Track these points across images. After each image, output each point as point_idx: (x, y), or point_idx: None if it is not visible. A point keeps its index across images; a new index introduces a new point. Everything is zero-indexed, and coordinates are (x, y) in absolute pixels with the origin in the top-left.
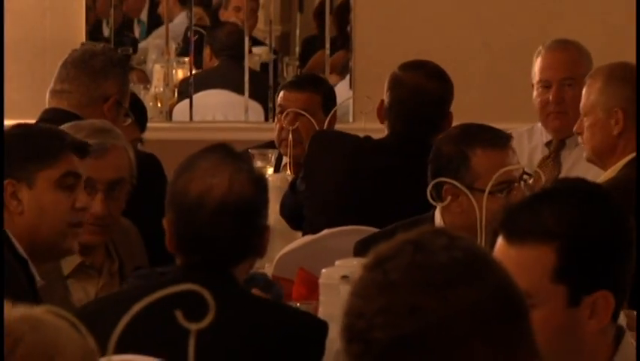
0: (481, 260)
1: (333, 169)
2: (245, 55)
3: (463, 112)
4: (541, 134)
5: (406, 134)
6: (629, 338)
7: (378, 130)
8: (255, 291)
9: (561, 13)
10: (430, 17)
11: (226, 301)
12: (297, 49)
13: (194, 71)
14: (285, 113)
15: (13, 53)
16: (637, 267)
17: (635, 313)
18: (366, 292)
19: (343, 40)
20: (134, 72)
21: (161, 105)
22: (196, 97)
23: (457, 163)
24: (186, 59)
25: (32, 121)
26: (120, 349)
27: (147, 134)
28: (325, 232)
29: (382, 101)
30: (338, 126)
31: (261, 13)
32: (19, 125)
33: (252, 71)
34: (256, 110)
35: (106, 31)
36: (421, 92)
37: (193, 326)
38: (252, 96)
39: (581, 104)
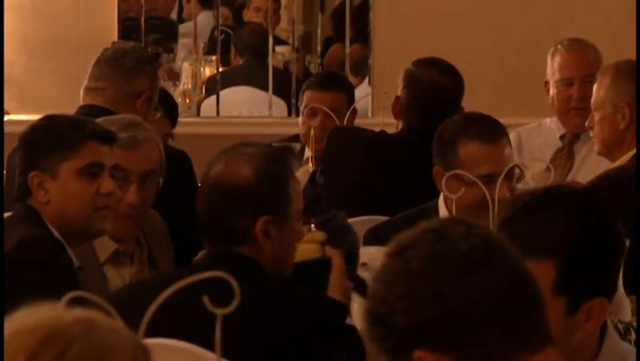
0: (498, 248)
1: (349, 163)
2: (269, 53)
3: (475, 108)
4: (551, 130)
5: (421, 130)
6: (612, 329)
7: (395, 125)
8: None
9: (569, 14)
10: (444, 18)
11: (248, 287)
12: (319, 47)
13: (220, 69)
14: (315, 114)
15: (50, 52)
16: (638, 259)
17: (635, 298)
18: (388, 278)
19: (360, 39)
20: (163, 69)
21: (190, 101)
22: (222, 93)
23: (446, 150)
24: (213, 58)
25: None
26: (151, 333)
27: (176, 129)
28: None
29: (397, 97)
30: (357, 122)
31: (283, 14)
32: (44, 117)
33: (275, 69)
34: (279, 106)
35: (136, 31)
36: (436, 88)
37: (219, 311)
38: (275, 93)
39: (592, 100)
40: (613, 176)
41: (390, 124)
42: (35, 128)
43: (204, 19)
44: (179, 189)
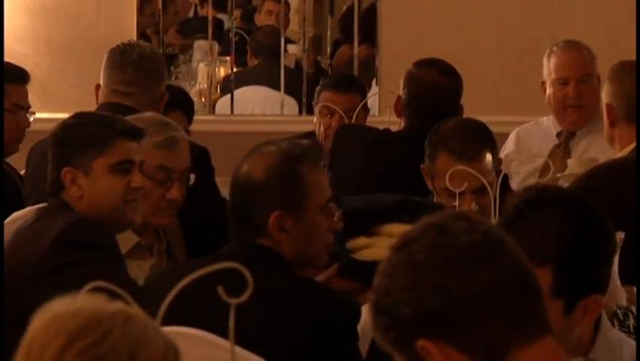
0: (498, 242)
1: (355, 158)
2: (281, 54)
3: (477, 106)
4: (548, 127)
5: (422, 128)
6: (606, 320)
7: (399, 123)
8: None
9: (568, 15)
10: (448, 20)
11: (265, 277)
12: (328, 49)
13: (234, 69)
14: (329, 114)
15: (72, 53)
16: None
17: (634, 288)
18: (393, 271)
19: (368, 41)
20: (180, 70)
21: (205, 100)
22: (237, 92)
23: (430, 153)
24: (228, 58)
25: None
26: (170, 321)
27: (192, 126)
28: None
29: (399, 97)
30: (367, 118)
31: (294, 16)
32: (75, 115)
33: (287, 69)
34: (291, 104)
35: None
36: (436, 88)
37: (233, 301)
38: (287, 92)
39: None
40: (610, 166)
41: (395, 122)
42: (67, 125)
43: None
44: (202, 185)
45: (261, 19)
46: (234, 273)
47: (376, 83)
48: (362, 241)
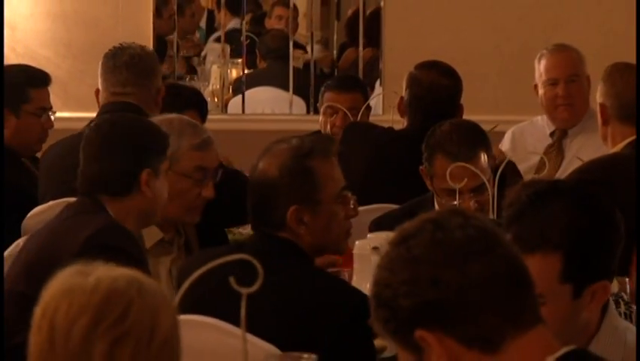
0: (492, 236)
1: (361, 155)
2: (290, 57)
3: (477, 106)
4: (542, 127)
5: (423, 127)
6: (613, 308)
7: (401, 122)
8: None
9: (564, 20)
10: (448, 24)
11: (283, 269)
12: (335, 51)
13: (246, 71)
14: (333, 113)
15: (91, 55)
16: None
17: (626, 279)
18: (392, 265)
19: (372, 44)
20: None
21: (218, 100)
22: (248, 93)
23: (428, 155)
24: (239, 61)
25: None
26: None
27: (206, 125)
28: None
29: (402, 97)
30: (370, 118)
31: (302, 21)
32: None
33: (295, 71)
34: (299, 104)
35: (171, 37)
36: (436, 88)
37: (244, 290)
38: (295, 92)
39: None
40: (604, 160)
41: (398, 121)
42: (144, 129)
43: (231, 26)
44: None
45: (271, 23)
46: (249, 264)
47: (380, 84)
48: None
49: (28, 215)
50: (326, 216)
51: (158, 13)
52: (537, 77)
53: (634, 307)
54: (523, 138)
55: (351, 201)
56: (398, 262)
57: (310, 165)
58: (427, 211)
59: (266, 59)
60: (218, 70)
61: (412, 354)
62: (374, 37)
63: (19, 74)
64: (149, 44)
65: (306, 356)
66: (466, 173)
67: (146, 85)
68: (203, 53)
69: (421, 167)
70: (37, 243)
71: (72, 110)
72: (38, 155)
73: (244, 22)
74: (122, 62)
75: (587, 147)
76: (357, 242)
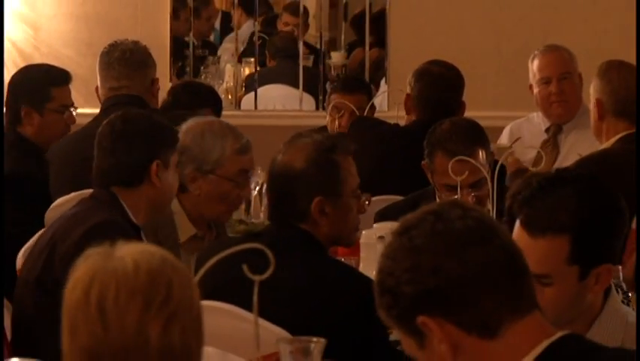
0: (490, 227)
1: (368, 149)
2: (300, 56)
3: (478, 104)
4: (538, 123)
5: (428, 122)
6: (615, 292)
7: (405, 117)
8: None
9: (561, 21)
10: (451, 25)
11: (293, 258)
12: (343, 51)
13: (258, 69)
14: (342, 113)
15: None
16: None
17: (619, 267)
18: (395, 254)
19: (378, 44)
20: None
21: (231, 97)
22: (260, 90)
23: (429, 152)
24: (252, 60)
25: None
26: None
27: None
28: None
29: (408, 95)
30: (376, 114)
31: (312, 22)
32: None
33: (305, 69)
34: (308, 101)
35: (187, 37)
36: (440, 86)
37: (257, 277)
38: (305, 90)
39: None
40: (597, 156)
41: (403, 117)
42: (164, 123)
43: (245, 28)
44: None
45: (282, 25)
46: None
47: (386, 82)
48: None
49: (50, 207)
50: (345, 209)
51: (175, 15)
52: (531, 77)
53: (631, 295)
54: (521, 133)
55: (363, 198)
56: (400, 252)
57: (335, 159)
58: (429, 203)
59: (275, 58)
60: (232, 68)
61: (415, 339)
62: (380, 38)
63: (41, 74)
64: (166, 44)
65: (315, 339)
66: (466, 168)
67: (139, 77)
68: (218, 53)
69: (422, 162)
70: (51, 232)
71: (93, 107)
72: None
73: (256, 23)
74: (115, 58)
75: (582, 142)
76: (363, 232)
